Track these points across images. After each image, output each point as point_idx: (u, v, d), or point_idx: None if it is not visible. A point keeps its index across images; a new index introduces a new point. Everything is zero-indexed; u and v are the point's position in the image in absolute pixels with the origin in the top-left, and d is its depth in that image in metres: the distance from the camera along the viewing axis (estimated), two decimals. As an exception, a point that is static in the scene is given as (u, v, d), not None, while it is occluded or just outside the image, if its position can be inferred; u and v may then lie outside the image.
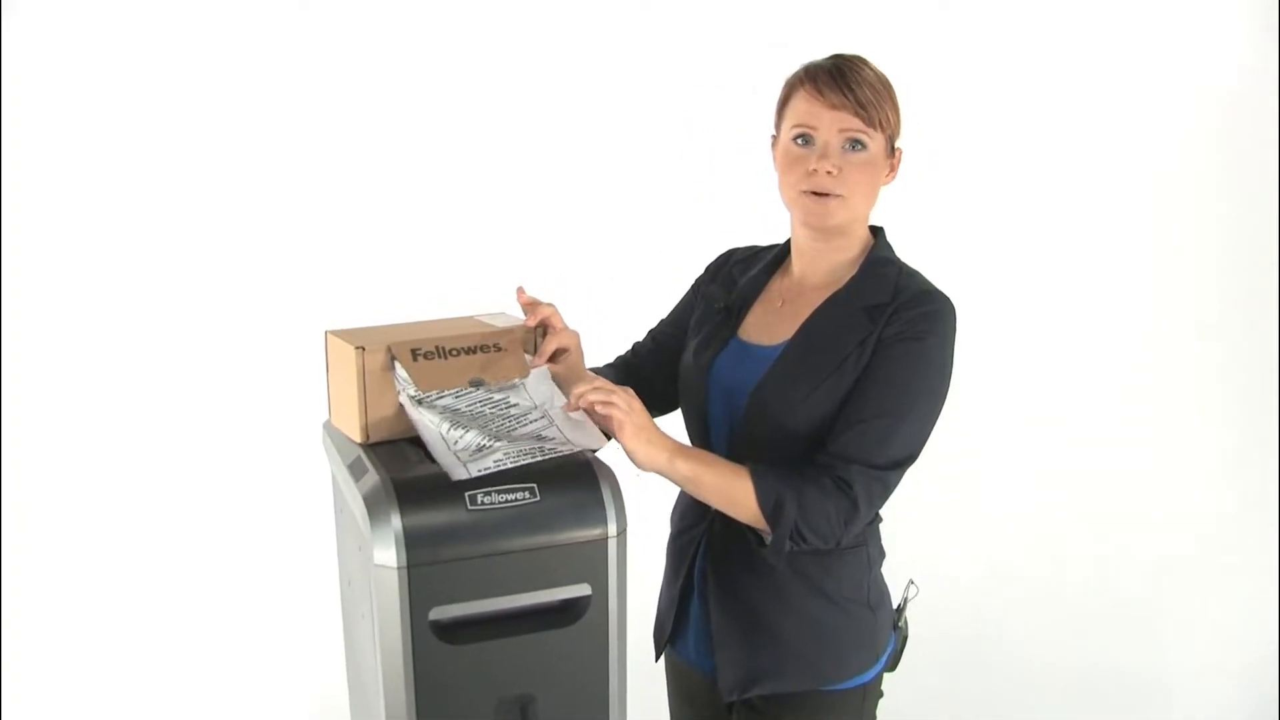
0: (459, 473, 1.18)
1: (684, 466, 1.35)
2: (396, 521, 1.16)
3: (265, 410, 2.78)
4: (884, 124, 1.43)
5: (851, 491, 1.37)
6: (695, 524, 1.58)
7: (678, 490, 1.63)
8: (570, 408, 1.31)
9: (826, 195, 1.43)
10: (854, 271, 1.49)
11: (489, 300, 1.59)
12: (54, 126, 2.69)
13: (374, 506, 1.18)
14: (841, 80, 1.41)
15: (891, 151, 1.48)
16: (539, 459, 1.21)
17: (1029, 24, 2.89)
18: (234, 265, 2.81)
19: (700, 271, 1.71)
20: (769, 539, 1.39)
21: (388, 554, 1.16)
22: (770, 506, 1.35)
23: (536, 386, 1.34)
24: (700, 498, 1.41)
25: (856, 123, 1.41)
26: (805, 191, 1.44)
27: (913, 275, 1.48)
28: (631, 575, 1.29)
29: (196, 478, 2.84)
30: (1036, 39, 2.90)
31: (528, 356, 1.38)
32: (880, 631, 1.56)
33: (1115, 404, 3.03)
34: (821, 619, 1.49)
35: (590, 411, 1.32)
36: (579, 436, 1.25)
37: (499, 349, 1.36)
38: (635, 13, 2.85)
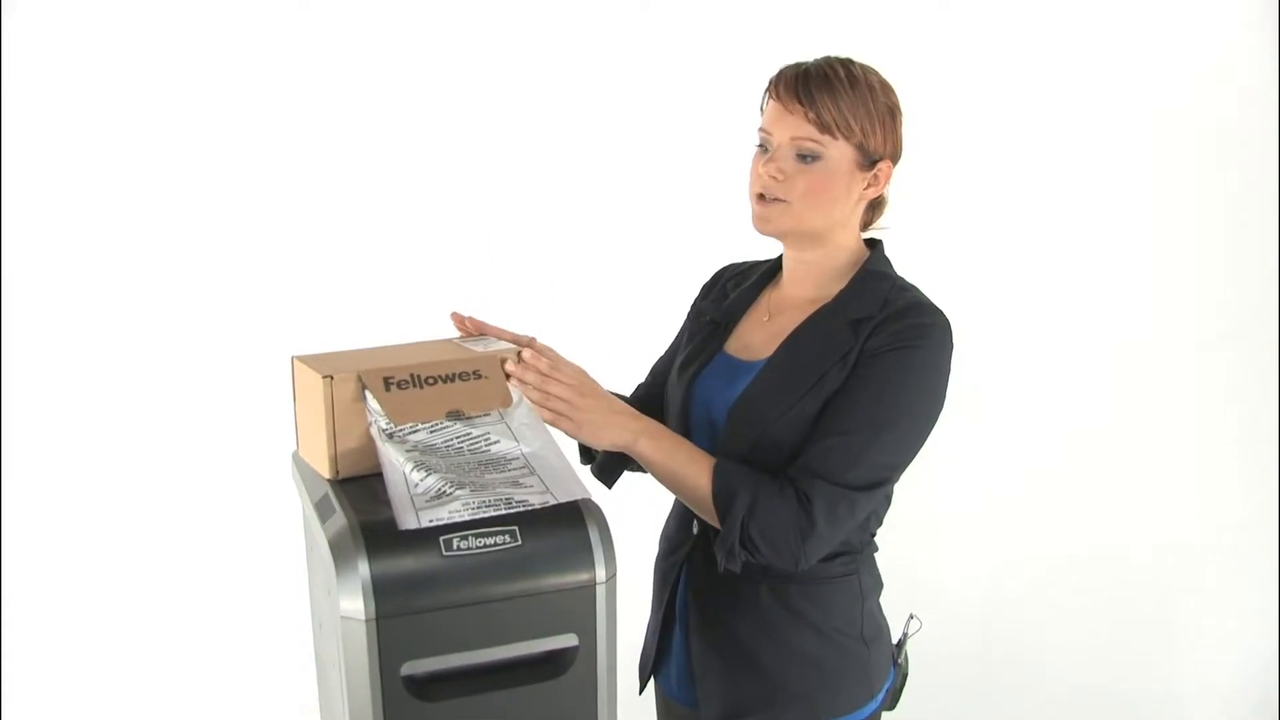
0: (408, 520, 1.08)
1: (647, 448, 1.32)
2: (364, 568, 1.07)
3: (250, 430, 2.70)
4: (845, 132, 1.34)
5: (811, 507, 1.28)
6: (677, 548, 1.52)
7: (668, 511, 1.57)
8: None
9: (770, 199, 1.38)
10: (844, 284, 1.42)
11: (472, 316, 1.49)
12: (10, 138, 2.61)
13: (340, 552, 1.08)
14: (801, 86, 1.35)
15: (870, 164, 1.38)
16: (502, 512, 1.10)
17: (1029, 25, 2.85)
18: (202, 279, 2.74)
19: (695, 283, 1.65)
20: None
21: (355, 604, 1.07)
22: (721, 496, 1.30)
23: (520, 422, 1.23)
24: (660, 482, 1.36)
25: (809, 130, 1.35)
26: (755, 195, 1.40)
27: (906, 290, 1.40)
28: (625, 613, 1.20)
29: (175, 498, 2.78)
30: (1036, 40, 2.85)
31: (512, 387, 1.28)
32: (875, 666, 1.48)
33: (1115, 410, 2.98)
34: (810, 652, 1.42)
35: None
36: (560, 489, 1.14)
37: (479, 376, 1.26)
38: (635, 13, 2.80)
